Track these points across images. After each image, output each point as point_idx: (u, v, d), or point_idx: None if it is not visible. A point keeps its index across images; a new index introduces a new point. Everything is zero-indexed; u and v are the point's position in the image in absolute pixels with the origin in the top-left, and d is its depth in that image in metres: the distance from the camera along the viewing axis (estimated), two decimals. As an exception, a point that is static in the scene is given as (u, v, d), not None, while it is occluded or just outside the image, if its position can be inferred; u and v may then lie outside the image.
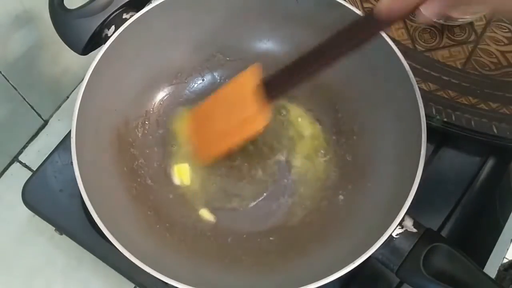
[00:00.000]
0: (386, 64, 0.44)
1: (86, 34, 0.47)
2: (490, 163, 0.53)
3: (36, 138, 0.62)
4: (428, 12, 0.33)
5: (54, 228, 0.51)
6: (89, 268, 0.54)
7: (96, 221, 0.38)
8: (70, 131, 0.41)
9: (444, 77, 0.52)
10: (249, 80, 0.42)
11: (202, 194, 0.48)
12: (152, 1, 0.47)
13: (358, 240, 0.40)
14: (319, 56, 0.39)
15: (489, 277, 0.38)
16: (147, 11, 0.45)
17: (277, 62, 0.51)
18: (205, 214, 0.47)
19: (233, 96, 0.43)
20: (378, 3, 0.33)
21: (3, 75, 0.52)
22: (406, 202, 0.38)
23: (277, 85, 0.42)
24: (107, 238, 0.37)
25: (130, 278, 0.48)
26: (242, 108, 0.42)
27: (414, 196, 0.38)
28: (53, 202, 0.51)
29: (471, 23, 0.54)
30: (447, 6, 0.33)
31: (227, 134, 0.44)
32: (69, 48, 0.48)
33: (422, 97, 0.41)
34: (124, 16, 0.47)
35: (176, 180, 0.48)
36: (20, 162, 0.61)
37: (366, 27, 0.37)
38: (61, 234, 0.51)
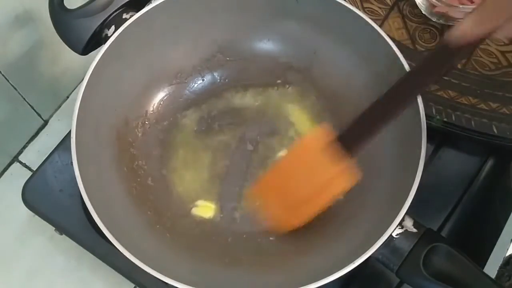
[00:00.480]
0: (386, 64, 0.44)
1: (86, 34, 0.47)
2: (490, 163, 0.53)
3: (36, 138, 0.62)
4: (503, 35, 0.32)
5: (54, 228, 0.51)
6: (89, 268, 0.54)
7: (96, 221, 0.38)
8: (70, 131, 0.41)
9: (444, 77, 0.52)
10: (318, 139, 0.39)
11: (202, 194, 0.48)
12: (152, 1, 0.47)
13: (358, 240, 0.40)
14: (395, 100, 0.37)
15: (489, 277, 0.38)
16: (147, 11, 0.45)
17: (277, 62, 0.51)
18: (205, 213, 0.47)
19: (307, 160, 0.40)
20: (454, 30, 0.32)
21: (3, 75, 0.52)
22: (406, 202, 0.38)
23: (354, 136, 0.38)
24: (107, 238, 0.37)
25: (130, 278, 0.48)
26: (323, 170, 0.39)
27: (414, 196, 0.38)
28: (53, 202, 0.51)
29: (471, 23, 0.54)
30: None
31: (310, 199, 0.41)
32: (69, 48, 0.48)
33: (422, 97, 0.41)
34: (124, 16, 0.47)
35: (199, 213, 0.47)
36: (20, 162, 0.61)
37: (441, 61, 0.34)
38: (61, 234, 0.51)
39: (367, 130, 0.38)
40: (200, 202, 0.48)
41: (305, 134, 0.40)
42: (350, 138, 0.38)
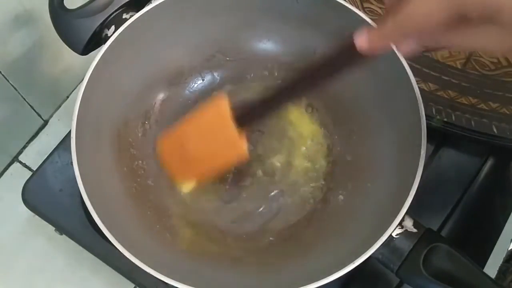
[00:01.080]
0: (386, 64, 0.44)
1: (86, 34, 0.47)
2: (490, 163, 0.53)
3: (36, 138, 0.62)
4: (402, 51, 0.33)
5: (54, 228, 0.51)
6: (89, 268, 0.54)
7: (96, 221, 0.38)
8: (70, 131, 0.41)
9: (444, 77, 0.52)
10: (222, 107, 0.41)
11: (202, 194, 0.48)
12: (152, 1, 0.47)
13: (358, 240, 0.40)
14: (295, 84, 0.38)
15: (489, 277, 0.38)
16: (147, 11, 0.45)
17: (277, 62, 0.51)
18: (205, 213, 0.47)
19: (209, 124, 0.42)
20: (358, 37, 0.33)
21: (3, 75, 0.52)
22: (406, 202, 0.38)
23: (248, 113, 0.41)
24: (107, 238, 0.37)
25: (130, 278, 0.48)
26: (222, 135, 0.41)
27: (414, 196, 0.38)
28: (53, 202, 0.51)
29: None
30: (422, 47, 0.33)
31: (208, 159, 0.43)
32: (69, 48, 0.48)
33: (422, 97, 0.41)
34: (124, 16, 0.47)
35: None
36: (20, 162, 0.61)
37: (343, 58, 0.35)
38: (61, 234, 0.51)
39: (260, 111, 0.40)
40: (200, 202, 0.48)
41: (211, 101, 0.42)
42: (244, 114, 0.40)
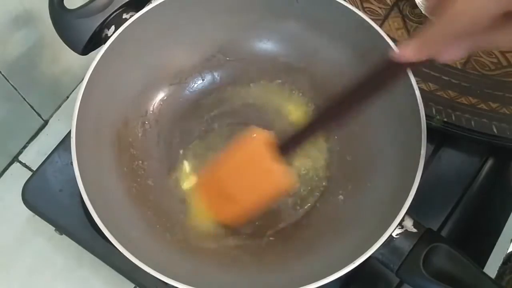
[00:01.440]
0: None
1: (86, 34, 0.47)
2: (490, 163, 0.53)
3: (36, 138, 0.62)
4: (447, 57, 0.31)
5: (54, 228, 0.51)
6: (89, 268, 0.54)
7: (96, 221, 0.38)
8: (70, 131, 0.41)
9: (444, 77, 0.52)
10: (261, 143, 0.40)
11: (202, 194, 0.48)
12: (152, 1, 0.47)
13: (358, 240, 0.40)
14: (334, 113, 0.38)
15: (489, 277, 0.38)
16: (147, 11, 0.45)
17: (277, 62, 0.51)
18: (205, 213, 0.47)
19: (249, 159, 0.41)
20: (402, 48, 0.32)
21: (3, 75, 0.52)
22: (406, 202, 0.38)
23: (290, 145, 0.40)
24: (107, 238, 0.37)
25: (130, 278, 0.48)
26: (264, 170, 0.40)
27: (414, 196, 0.38)
28: (53, 202, 0.51)
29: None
30: (466, 50, 0.31)
31: (253, 198, 0.42)
32: (69, 48, 0.48)
33: (422, 97, 0.41)
34: (124, 16, 0.47)
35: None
36: (20, 162, 0.61)
37: (382, 77, 0.35)
38: (61, 234, 0.51)
39: (302, 137, 0.39)
40: (200, 202, 0.48)
41: (249, 135, 0.42)
42: (286, 145, 0.40)
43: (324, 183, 0.48)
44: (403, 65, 0.33)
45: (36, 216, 0.51)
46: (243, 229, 0.46)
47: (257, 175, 0.41)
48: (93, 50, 0.49)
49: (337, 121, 0.39)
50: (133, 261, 0.37)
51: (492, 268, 0.47)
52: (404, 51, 0.32)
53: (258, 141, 0.41)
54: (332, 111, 0.38)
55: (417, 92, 0.41)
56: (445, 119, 0.49)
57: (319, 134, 0.41)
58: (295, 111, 0.51)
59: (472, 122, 0.49)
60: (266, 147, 0.40)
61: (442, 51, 0.31)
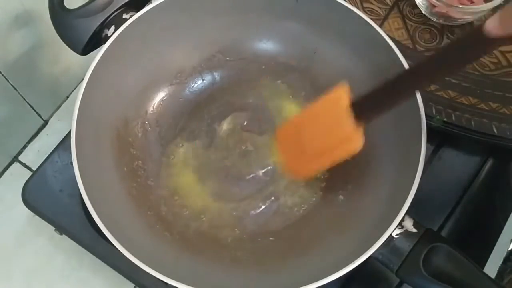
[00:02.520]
0: (386, 64, 0.44)
1: (86, 34, 0.47)
2: (490, 163, 0.53)
3: (36, 138, 0.62)
4: None
5: (54, 228, 0.51)
6: (89, 268, 0.54)
7: (96, 221, 0.38)
8: (70, 131, 0.41)
9: (444, 77, 0.52)
10: (341, 98, 0.39)
11: (202, 194, 0.48)
12: (152, 1, 0.47)
13: (358, 240, 0.40)
14: (417, 77, 0.36)
15: (489, 277, 0.38)
16: (147, 11, 0.45)
17: (277, 62, 0.51)
18: (205, 213, 0.47)
19: (326, 114, 0.41)
20: (488, 21, 0.31)
21: (3, 75, 0.52)
22: (406, 202, 0.38)
23: (370, 107, 0.38)
24: (107, 238, 0.37)
25: (130, 278, 0.48)
26: (338, 128, 0.39)
27: (414, 196, 0.38)
28: (53, 202, 0.51)
29: (471, 23, 0.54)
30: None
31: (322, 153, 0.42)
32: (69, 48, 0.48)
33: (422, 97, 0.41)
34: (124, 16, 0.47)
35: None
36: (20, 162, 0.61)
37: (472, 46, 0.33)
38: (61, 234, 0.51)
39: (384, 102, 0.38)
40: (200, 202, 0.48)
41: (330, 91, 0.41)
42: (365, 106, 0.38)
43: (323, 183, 0.48)
44: (492, 40, 0.31)
45: (36, 216, 0.51)
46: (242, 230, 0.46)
47: (330, 131, 0.40)
48: (93, 50, 0.49)
49: (422, 85, 0.37)
50: (133, 261, 0.37)
51: (492, 268, 0.47)
52: (493, 25, 0.31)
53: (337, 97, 0.40)
54: (419, 73, 0.36)
55: (417, 92, 0.41)
56: (445, 119, 0.49)
57: (400, 101, 0.38)
58: (295, 111, 0.51)
59: (472, 122, 0.49)
60: (345, 104, 0.39)
61: None
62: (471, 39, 0.34)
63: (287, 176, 0.46)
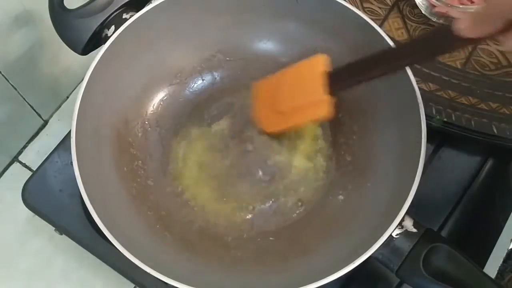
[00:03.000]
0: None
1: (86, 34, 0.47)
2: (490, 163, 0.53)
3: (36, 138, 0.62)
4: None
5: (54, 228, 0.51)
6: (89, 268, 0.54)
7: (96, 221, 0.38)
8: (70, 131, 0.41)
9: (444, 77, 0.52)
10: (318, 65, 0.43)
11: (202, 194, 0.48)
12: (152, 1, 0.47)
13: (358, 240, 0.40)
14: (390, 59, 0.39)
15: (489, 277, 0.38)
16: (147, 11, 0.45)
17: (277, 62, 0.51)
18: (205, 212, 0.47)
19: (302, 77, 0.44)
20: (458, 21, 0.33)
21: (3, 75, 0.52)
22: (406, 202, 0.38)
23: (342, 79, 0.42)
24: (107, 238, 0.37)
25: (130, 278, 0.48)
26: (311, 91, 0.43)
27: (414, 196, 0.38)
28: (53, 202, 0.51)
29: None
30: None
31: (293, 113, 0.45)
32: (69, 48, 0.48)
33: (422, 97, 0.41)
34: (124, 16, 0.47)
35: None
36: (20, 162, 0.61)
37: (444, 40, 0.35)
38: (61, 234, 0.51)
39: (353, 78, 0.41)
40: (200, 202, 0.48)
41: (307, 59, 0.44)
42: (337, 78, 0.42)
43: (323, 183, 0.48)
44: (460, 39, 0.33)
45: (36, 216, 0.51)
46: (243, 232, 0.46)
47: (303, 93, 0.43)
48: (93, 50, 0.49)
49: (392, 68, 0.40)
50: (133, 261, 0.37)
51: (492, 268, 0.47)
52: (463, 25, 0.32)
53: (314, 64, 0.43)
54: (391, 56, 0.39)
55: (417, 92, 0.41)
56: (445, 119, 0.49)
57: (369, 79, 0.41)
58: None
59: (472, 122, 0.49)
60: (321, 71, 0.42)
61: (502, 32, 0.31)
62: (441, 35, 0.36)
63: (258, 127, 0.48)
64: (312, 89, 0.42)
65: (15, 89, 0.55)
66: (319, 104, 0.42)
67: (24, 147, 0.61)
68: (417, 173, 0.39)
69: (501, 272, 0.48)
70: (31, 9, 0.52)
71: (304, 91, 0.43)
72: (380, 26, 0.51)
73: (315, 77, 0.42)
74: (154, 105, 0.50)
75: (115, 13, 0.47)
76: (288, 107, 0.45)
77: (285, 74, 0.46)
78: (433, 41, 0.36)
